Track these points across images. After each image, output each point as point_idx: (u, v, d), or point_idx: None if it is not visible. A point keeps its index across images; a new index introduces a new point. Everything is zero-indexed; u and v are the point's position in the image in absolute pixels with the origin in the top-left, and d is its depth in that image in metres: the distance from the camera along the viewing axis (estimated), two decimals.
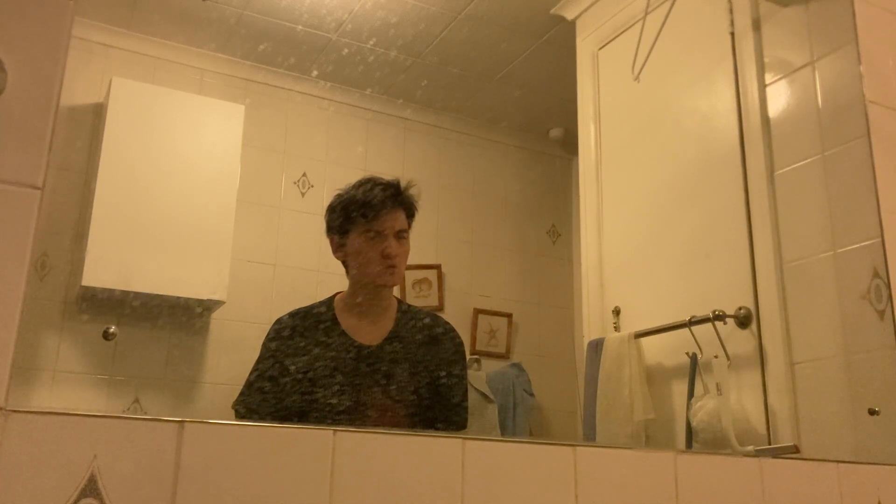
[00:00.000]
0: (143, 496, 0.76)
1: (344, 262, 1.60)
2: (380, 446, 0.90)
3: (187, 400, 1.94)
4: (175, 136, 2.11)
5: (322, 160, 2.25)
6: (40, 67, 0.83)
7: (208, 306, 2.00)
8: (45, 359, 1.83)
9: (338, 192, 1.63)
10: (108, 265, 1.89)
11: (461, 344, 1.66)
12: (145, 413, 1.63)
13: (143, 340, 1.94)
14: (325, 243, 2.18)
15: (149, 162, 2.04)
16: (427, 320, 1.64)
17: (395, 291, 1.66)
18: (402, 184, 1.62)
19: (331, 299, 1.59)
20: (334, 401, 1.46)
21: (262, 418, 1.46)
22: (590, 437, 1.85)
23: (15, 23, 0.83)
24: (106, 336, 1.90)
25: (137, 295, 1.92)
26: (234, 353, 2.00)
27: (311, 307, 1.58)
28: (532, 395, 2.20)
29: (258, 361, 1.50)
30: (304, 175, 2.20)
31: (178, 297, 1.98)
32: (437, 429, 1.55)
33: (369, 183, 1.62)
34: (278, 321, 1.55)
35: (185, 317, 1.99)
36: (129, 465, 0.77)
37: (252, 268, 2.08)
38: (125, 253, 1.93)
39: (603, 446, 1.09)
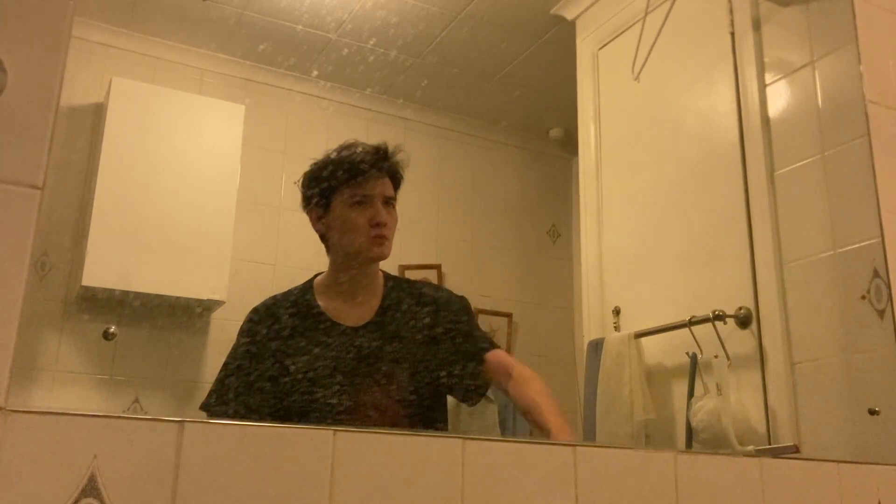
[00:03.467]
0: (143, 496, 0.76)
1: (324, 238, 1.45)
2: (380, 446, 0.90)
3: (187, 400, 1.94)
4: (175, 136, 2.11)
5: None
6: (40, 67, 0.83)
7: (208, 306, 2.00)
8: (45, 359, 1.83)
9: (313, 160, 1.47)
10: (108, 265, 1.89)
11: (463, 298, 1.53)
12: (145, 413, 1.63)
13: (143, 340, 1.94)
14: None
15: (149, 162, 2.04)
16: (418, 289, 1.50)
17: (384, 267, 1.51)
18: (389, 148, 1.47)
19: (309, 282, 1.46)
20: (327, 394, 1.34)
21: (238, 415, 1.35)
22: (590, 437, 1.84)
23: (15, 23, 0.83)
24: (106, 336, 1.90)
25: (137, 295, 1.92)
26: None
27: (288, 292, 1.45)
28: None
29: (230, 356, 1.38)
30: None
31: (178, 297, 1.98)
32: (457, 385, 1.43)
33: (352, 146, 1.47)
34: (252, 311, 1.42)
35: (185, 317, 1.99)
36: (129, 465, 0.77)
37: (252, 268, 2.08)
38: (125, 253, 1.93)
39: (603, 446, 1.09)
